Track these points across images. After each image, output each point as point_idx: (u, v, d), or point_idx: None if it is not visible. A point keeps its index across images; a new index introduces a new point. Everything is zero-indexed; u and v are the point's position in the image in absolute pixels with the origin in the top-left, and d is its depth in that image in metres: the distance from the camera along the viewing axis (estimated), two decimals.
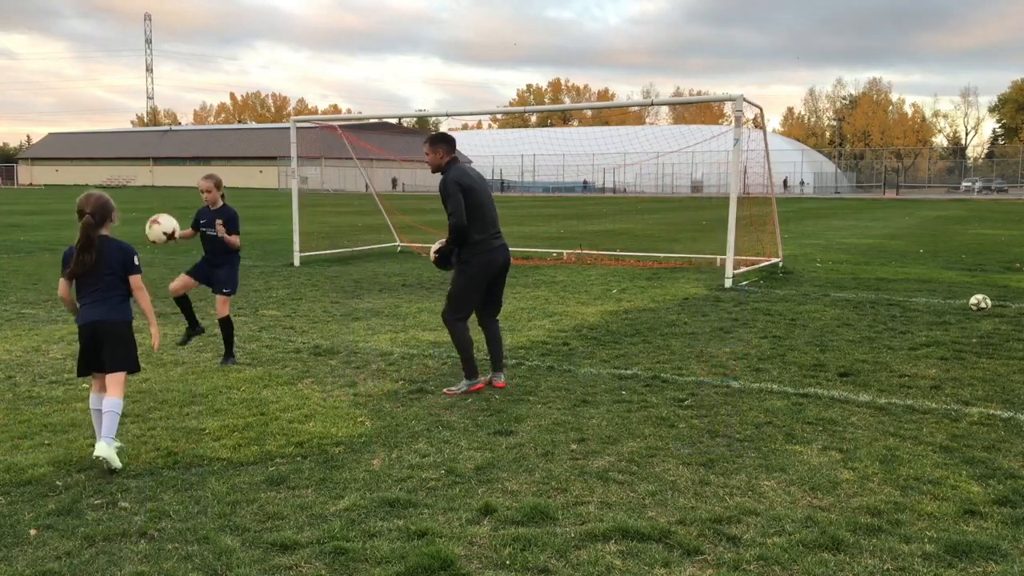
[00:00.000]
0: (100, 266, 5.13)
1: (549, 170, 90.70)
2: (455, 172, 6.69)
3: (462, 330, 6.84)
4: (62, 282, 5.23)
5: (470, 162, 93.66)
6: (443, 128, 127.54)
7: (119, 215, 5.34)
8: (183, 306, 7.96)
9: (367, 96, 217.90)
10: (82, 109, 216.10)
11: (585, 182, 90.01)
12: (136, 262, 5.23)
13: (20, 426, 5.86)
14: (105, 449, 4.93)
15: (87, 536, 4.12)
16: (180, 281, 7.87)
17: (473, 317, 7.04)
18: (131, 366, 5.28)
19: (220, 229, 7.59)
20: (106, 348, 5.16)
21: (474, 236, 6.70)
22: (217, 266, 7.80)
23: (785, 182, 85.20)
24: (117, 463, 4.96)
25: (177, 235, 7.28)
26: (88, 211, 5.15)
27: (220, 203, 7.78)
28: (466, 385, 6.82)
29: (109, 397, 5.09)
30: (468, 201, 6.63)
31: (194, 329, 8.02)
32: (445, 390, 6.82)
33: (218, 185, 7.80)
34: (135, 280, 5.22)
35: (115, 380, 5.16)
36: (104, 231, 5.22)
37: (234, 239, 7.69)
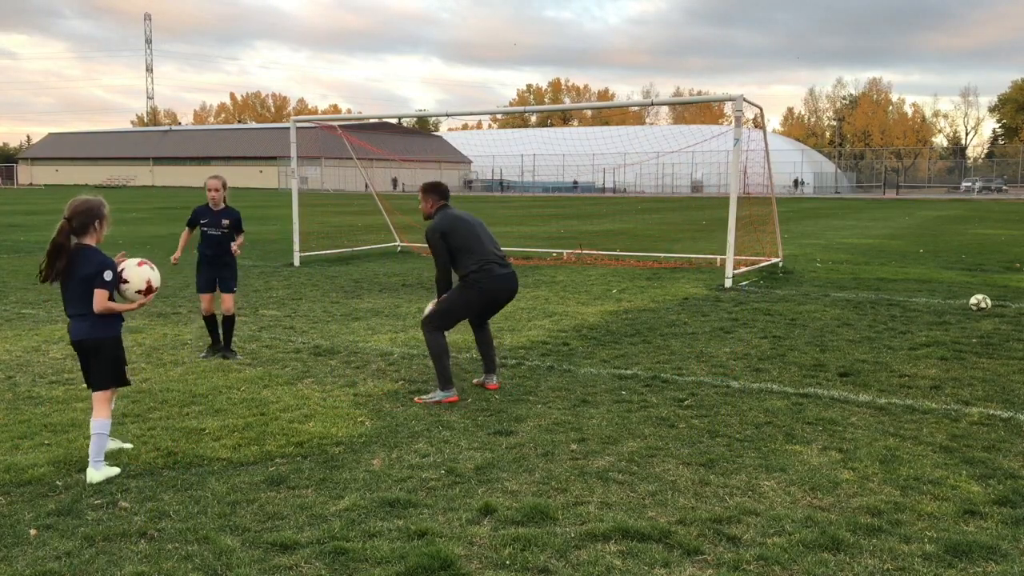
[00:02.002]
0: (75, 277, 4.83)
1: (549, 170, 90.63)
2: (436, 220, 6.66)
3: (438, 338, 6.58)
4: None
5: (470, 162, 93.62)
6: (443, 128, 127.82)
7: (109, 223, 5.04)
8: (211, 327, 8.14)
9: (367, 96, 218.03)
10: (82, 109, 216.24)
11: (575, 182, 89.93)
12: (106, 277, 4.82)
13: (20, 426, 5.86)
14: (95, 475, 4.84)
15: (87, 536, 4.12)
16: (205, 302, 8.12)
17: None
18: (116, 382, 5.10)
19: (237, 247, 7.99)
20: (92, 366, 5.00)
21: (473, 268, 6.55)
22: (221, 265, 8.01)
23: (796, 182, 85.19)
24: (113, 471, 4.92)
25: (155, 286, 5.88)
26: (66, 216, 4.83)
27: (223, 204, 8.02)
28: (440, 396, 6.48)
29: (94, 418, 4.95)
30: (455, 241, 6.55)
31: (216, 348, 8.10)
32: (416, 398, 6.55)
33: (225, 186, 8.06)
34: (97, 295, 4.80)
35: (99, 400, 5.00)
36: (88, 239, 4.89)
37: (239, 245, 8.05)
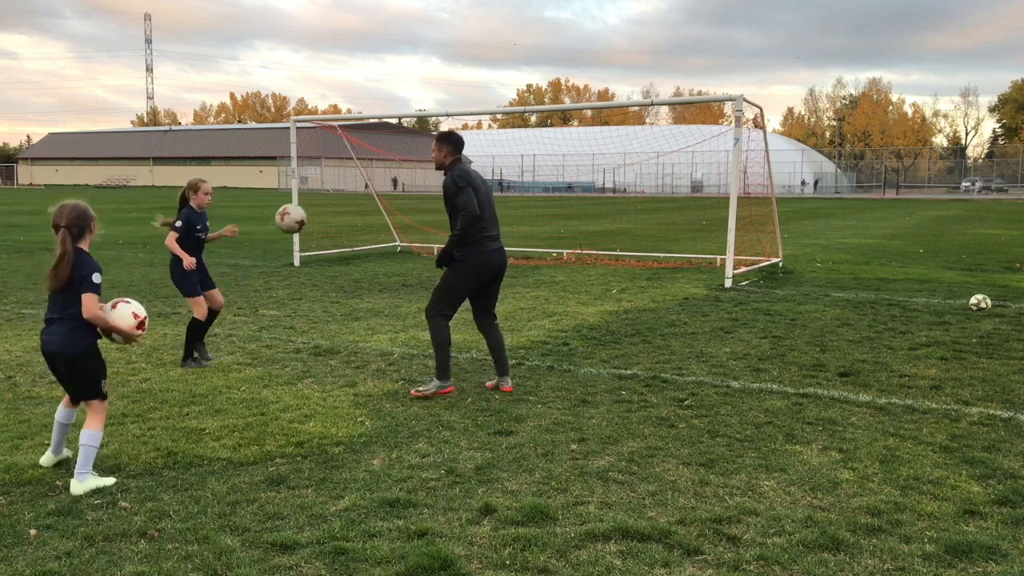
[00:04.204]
0: (71, 283, 4.70)
1: (549, 170, 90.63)
2: (459, 171, 6.64)
3: (442, 328, 6.68)
4: None
5: (471, 163, 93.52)
6: (443, 128, 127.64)
7: (99, 224, 4.95)
8: (200, 335, 7.88)
9: (367, 96, 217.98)
10: (82, 109, 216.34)
11: (570, 185, 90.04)
12: (95, 280, 4.71)
13: (20, 426, 5.86)
14: (79, 487, 4.66)
15: (87, 536, 4.12)
16: (203, 307, 7.85)
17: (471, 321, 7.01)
18: (96, 394, 4.86)
19: (232, 230, 8.13)
20: (66, 380, 4.88)
21: (471, 236, 6.63)
22: (203, 264, 7.95)
23: (815, 183, 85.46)
24: (103, 481, 4.76)
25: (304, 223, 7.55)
26: (63, 224, 4.71)
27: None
28: (436, 387, 6.62)
29: (87, 428, 4.76)
30: None
31: (189, 358, 7.85)
32: (412, 390, 6.68)
33: None
34: (85, 299, 4.67)
35: (92, 410, 4.82)
36: (83, 244, 4.79)
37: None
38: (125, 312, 4.98)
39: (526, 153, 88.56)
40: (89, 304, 4.70)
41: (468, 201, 6.51)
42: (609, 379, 7.25)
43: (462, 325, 7.21)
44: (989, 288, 12.63)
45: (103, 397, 4.91)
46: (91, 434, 4.76)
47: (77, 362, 4.80)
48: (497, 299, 7.02)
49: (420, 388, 6.71)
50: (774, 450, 5.40)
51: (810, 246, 20.80)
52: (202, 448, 5.41)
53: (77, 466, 4.76)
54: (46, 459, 5.05)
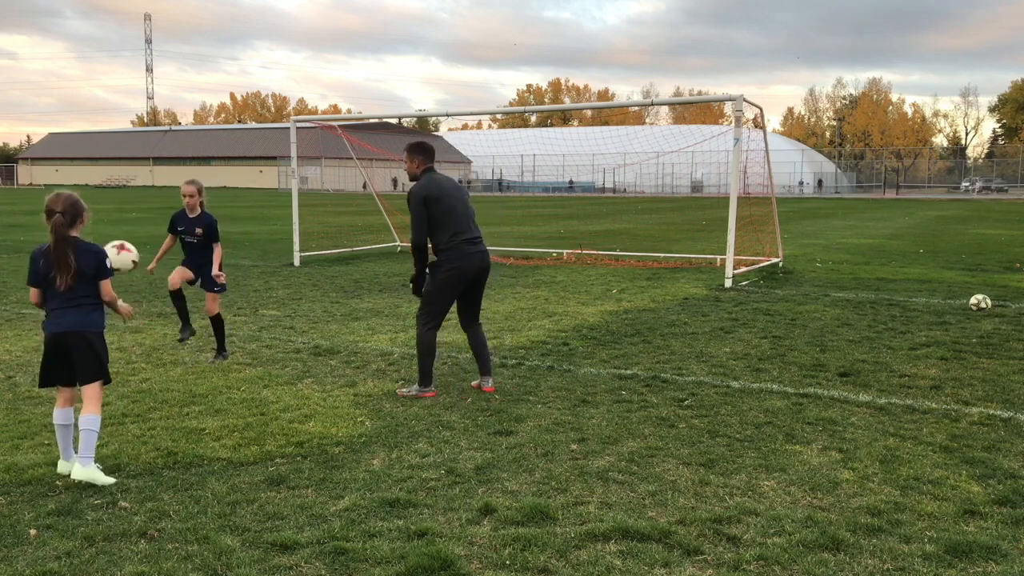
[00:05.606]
0: (72, 268, 4.82)
1: (549, 170, 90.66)
2: (421, 183, 6.63)
3: (426, 338, 6.68)
4: (33, 291, 4.95)
5: (470, 162, 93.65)
6: (443, 128, 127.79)
7: (90, 215, 5.06)
8: (179, 305, 7.93)
9: (367, 96, 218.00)
10: (82, 109, 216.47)
11: (571, 182, 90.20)
12: (108, 265, 4.98)
13: (20, 426, 5.86)
14: (83, 472, 4.72)
15: (87, 536, 4.12)
16: (178, 274, 7.81)
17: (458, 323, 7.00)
18: (103, 376, 4.97)
19: (219, 274, 7.65)
20: (78, 359, 4.88)
21: (443, 243, 6.60)
22: (203, 266, 7.83)
23: (820, 183, 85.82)
24: (104, 479, 4.79)
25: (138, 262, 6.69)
26: (59, 210, 4.83)
27: (199, 210, 7.77)
28: (416, 390, 6.69)
29: (86, 414, 4.82)
30: (435, 209, 6.54)
31: (186, 330, 8.00)
32: (399, 390, 6.77)
33: (200, 191, 7.81)
34: (105, 285, 4.95)
35: (91, 394, 4.87)
36: (75, 232, 4.90)
37: (219, 266, 7.71)
38: (126, 259, 6.20)
39: (526, 153, 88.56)
40: (108, 288, 4.98)
41: (417, 225, 6.55)
42: (609, 379, 7.25)
43: (457, 329, 7.20)
44: (989, 288, 12.63)
45: (108, 379, 5.03)
46: (90, 418, 4.83)
47: (93, 339, 4.92)
48: (481, 300, 7.01)
49: (404, 389, 6.79)
50: (774, 450, 5.40)
51: (810, 246, 20.79)
52: (202, 448, 5.42)
53: (80, 451, 4.79)
54: (63, 468, 4.98)
